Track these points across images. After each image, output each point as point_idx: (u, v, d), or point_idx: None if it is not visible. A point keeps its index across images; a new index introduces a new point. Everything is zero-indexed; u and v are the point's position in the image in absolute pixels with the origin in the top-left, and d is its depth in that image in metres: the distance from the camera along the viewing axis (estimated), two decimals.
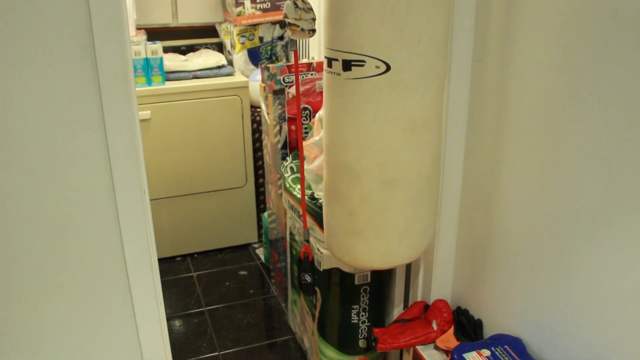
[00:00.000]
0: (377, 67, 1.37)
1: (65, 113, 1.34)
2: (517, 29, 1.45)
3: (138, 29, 3.14)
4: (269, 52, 3.27)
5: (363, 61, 1.37)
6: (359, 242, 1.54)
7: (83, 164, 1.38)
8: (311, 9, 1.52)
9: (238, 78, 3.06)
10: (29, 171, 1.34)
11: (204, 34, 3.48)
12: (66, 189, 1.39)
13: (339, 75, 1.42)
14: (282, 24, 3.23)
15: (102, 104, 1.34)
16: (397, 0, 1.33)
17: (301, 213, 2.05)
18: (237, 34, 3.16)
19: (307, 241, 1.90)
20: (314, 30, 1.52)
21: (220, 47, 3.47)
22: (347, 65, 1.39)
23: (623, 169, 1.19)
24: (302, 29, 1.51)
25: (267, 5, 3.07)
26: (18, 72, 1.27)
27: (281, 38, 3.27)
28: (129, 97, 1.35)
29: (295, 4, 1.49)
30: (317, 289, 2.05)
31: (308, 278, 1.92)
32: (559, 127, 1.35)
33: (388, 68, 1.36)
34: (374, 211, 1.50)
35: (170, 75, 3.01)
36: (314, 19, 1.52)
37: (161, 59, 2.91)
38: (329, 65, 1.45)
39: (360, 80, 1.39)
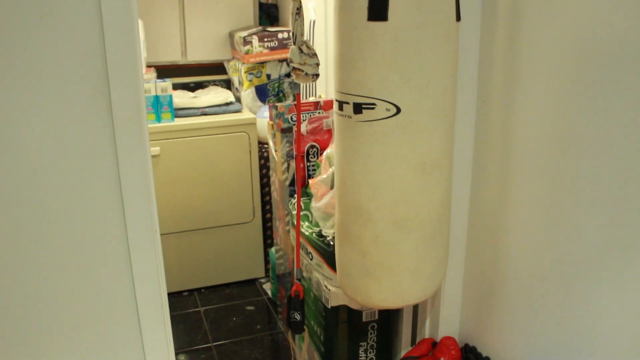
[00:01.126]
0: (388, 109, 1.39)
1: (79, 155, 1.36)
2: (520, 70, 1.48)
3: (148, 66, 3.20)
4: (276, 89, 3.32)
5: (373, 104, 1.40)
6: (372, 282, 1.55)
7: (96, 204, 1.40)
8: (315, 54, 1.56)
9: (246, 115, 3.11)
10: (42, 211, 1.36)
11: (212, 71, 3.54)
12: (79, 228, 1.41)
13: (350, 118, 1.45)
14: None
15: (116, 147, 1.37)
16: (406, 45, 1.36)
17: (309, 250, 2.06)
18: (245, 72, 3.22)
19: (299, 280, 1.92)
20: (317, 75, 1.56)
21: (228, 84, 3.53)
22: (358, 108, 1.42)
23: (628, 213, 1.20)
24: (306, 74, 1.54)
25: (275, 43, 3.13)
26: (34, 116, 1.30)
27: (288, 75, 3.32)
28: (143, 141, 1.38)
29: (300, 49, 1.53)
30: (319, 326, 2.05)
31: (297, 316, 1.93)
32: (563, 168, 1.36)
33: (398, 110, 1.39)
34: (386, 251, 1.51)
35: (179, 112, 3.06)
36: (317, 64, 1.56)
37: (170, 96, 2.95)
38: (340, 108, 1.48)
39: (371, 123, 1.42)
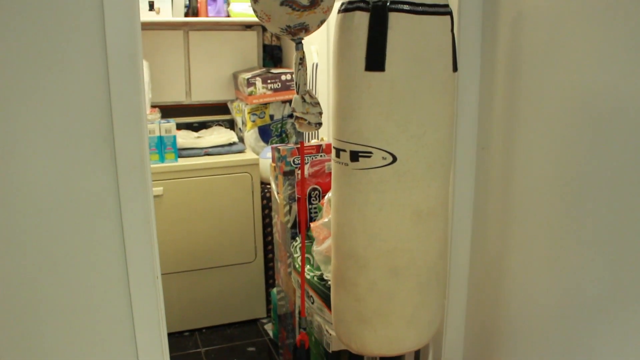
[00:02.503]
0: (384, 158, 1.41)
1: (83, 201, 1.38)
2: (519, 118, 1.50)
3: (153, 106, 3.24)
4: (279, 130, 3.35)
5: (370, 152, 1.42)
6: (367, 329, 1.55)
7: (99, 249, 1.42)
8: (318, 103, 1.58)
9: (249, 155, 3.13)
10: (46, 254, 1.38)
11: (216, 111, 3.58)
12: (82, 272, 1.42)
13: (347, 165, 1.46)
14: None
15: (119, 194, 1.39)
16: (402, 95, 1.39)
17: (310, 294, 2.06)
18: (249, 112, 3.26)
19: (304, 329, 1.90)
20: (320, 124, 1.58)
21: (231, 124, 3.57)
22: (354, 156, 1.44)
23: (630, 260, 1.20)
24: (309, 123, 1.56)
25: (278, 85, 3.18)
26: (39, 160, 1.33)
27: (291, 116, 3.35)
28: (145, 189, 1.40)
29: (302, 98, 1.56)
30: None
31: None
32: (563, 214, 1.37)
33: (394, 159, 1.41)
34: (382, 299, 1.51)
35: (182, 152, 3.08)
36: (320, 113, 1.58)
37: (174, 137, 2.99)
38: (337, 155, 1.49)
39: (368, 171, 1.43)
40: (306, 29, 1.49)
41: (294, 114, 1.56)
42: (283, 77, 3.18)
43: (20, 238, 1.35)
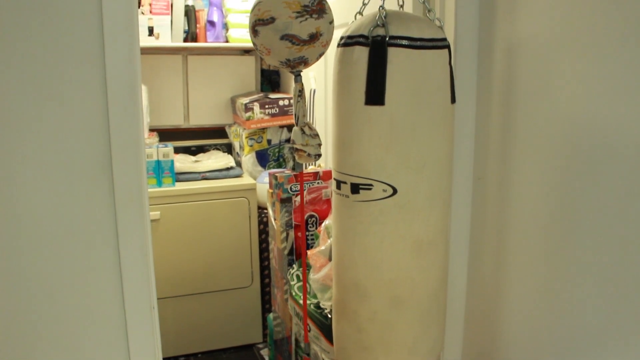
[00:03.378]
0: (384, 190, 1.42)
1: (80, 231, 1.38)
2: (515, 149, 1.52)
3: (151, 130, 3.25)
4: (277, 154, 3.37)
5: (371, 185, 1.43)
6: (368, 358, 1.55)
7: (95, 280, 1.42)
8: (317, 135, 1.59)
9: (246, 180, 3.14)
10: (40, 285, 1.38)
11: (213, 135, 3.60)
12: (77, 302, 1.41)
13: (348, 197, 1.47)
14: (290, 127, 3.34)
15: (117, 226, 1.39)
16: (402, 128, 1.40)
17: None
18: (246, 137, 3.27)
19: (307, 354, 1.90)
20: (319, 155, 1.59)
21: (229, 148, 3.58)
22: (355, 189, 1.45)
23: (626, 293, 1.21)
24: (309, 154, 1.58)
25: (276, 110, 3.19)
26: (37, 190, 1.33)
27: (288, 140, 3.36)
28: (143, 220, 1.41)
29: (302, 130, 1.57)
30: None
31: None
32: (559, 245, 1.38)
33: (395, 191, 1.42)
34: (383, 328, 1.51)
35: (180, 176, 3.09)
36: (319, 144, 1.59)
37: (172, 161, 2.99)
38: (338, 187, 1.50)
39: (368, 203, 1.44)
40: (305, 62, 1.51)
41: (294, 146, 1.57)
42: (281, 102, 3.20)
43: (17, 266, 1.35)
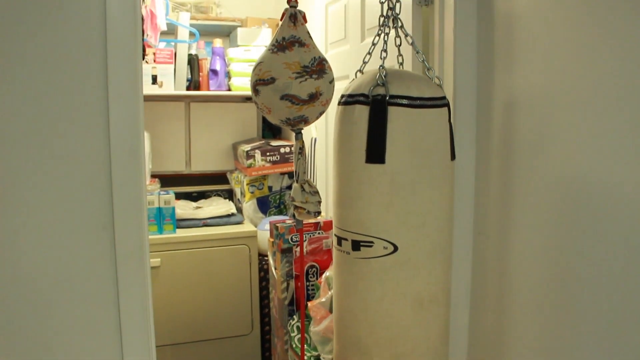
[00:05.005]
0: (385, 247, 1.42)
1: (80, 289, 1.39)
2: (514, 203, 1.53)
3: (152, 176, 3.27)
4: (278, 201, 3.38)
5: (371, 242, 1.43)
6: None
7: (95, 338, 1.42)
8: (317, 192, 1.60)
9: (247, 227, 3.14)
10: (40, 341, 1.37)
11: (215, 181, 3.61)
12: (76, 357, 1.41)
13: (349, 254, 1.47)
14: (291, 175, 3.36)
15: (118, 282, 1.40)
16: (403, 186, 1.41)
17: None
18: (247, 183, 3.29)
19: None
20: (319, 212, 1.60)
21: (230, 194, 3.59)
22: (356, 246, 1.45)
23: (626, 350, 1.20)
24: (309, 211, 1.58)
25: (277, 157, 3.22)
26: (40, 248, 1.34)
27: (289, 187, 3.38)
28: (144, 277, 1.41)
29: (302, 187, 1.58)
30: None
31: None
32: (561, 300, 1.38)
33: (395, 249, 1.42)
34: None
35: (181, 222, 3.09)
36: (319, 202, 1.60)
37: (173, 208, 3.00)
38: (339, 243, 1.51)
39: (369, 260, 1.44)
40: (305, 121, 1.53)
41: (293, 203, 1.58)
42: (282, 150, 3.23)
43: (17, 324, 1.35)
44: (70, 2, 1.31)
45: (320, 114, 1.56)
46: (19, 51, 1.28)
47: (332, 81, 1.56)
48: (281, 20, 1.55)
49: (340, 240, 1.51)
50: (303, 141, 1.58)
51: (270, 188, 3.35)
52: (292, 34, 1.51)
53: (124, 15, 1.34)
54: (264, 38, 3.32)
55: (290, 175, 3.36)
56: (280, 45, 1.51)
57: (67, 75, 1.32)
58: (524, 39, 1.48)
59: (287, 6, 1.55)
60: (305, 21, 1.57)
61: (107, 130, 1.35)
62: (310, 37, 1.56)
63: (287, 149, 3.23)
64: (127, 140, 1.36)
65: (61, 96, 1.32)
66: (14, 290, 1.34)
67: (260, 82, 1.50)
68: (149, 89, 3.10)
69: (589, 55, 1.26)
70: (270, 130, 3.67)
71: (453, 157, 1.51)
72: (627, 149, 1.17)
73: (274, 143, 3.29)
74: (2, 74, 1.28)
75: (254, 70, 1.52)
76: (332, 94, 1.57)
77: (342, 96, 1.50)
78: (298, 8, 1.57)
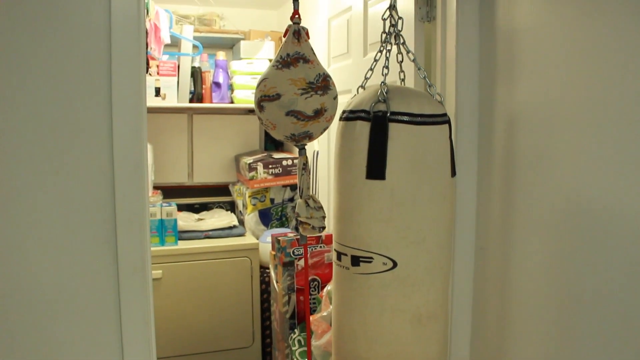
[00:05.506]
0: (385, 263, 1.43)
1: (82, 304, 1.39)
2: (516, 219, 1.54)
3: (155, 188, 3.28)
4: (280, 214, 3.38)
5: (371, 258, 1.44)
6: None
7: (96, 352, 1.42)
8: (321, 208, 1.61)
9: (249, 240, 3.15)
10: (42, 355, 1.38)
11: (217, 193, 3.62)
12: None
13: (348, 269, 1.48)
14: (293, 187, 3.36)
15: (120, 297, 1.40)
16: (403, 202, 1.42)
17: None
18: (249, 196, 3.29)
19: None
20: (323, 228, 1.61)
21: (232, 206, 3.60)
22: (355, 261, 1.46)
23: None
24: (313, 227, 1.59)
25: (279, 170, 3.23)
26: (43, 263, 1.35)
27: (291, 200, 3.39)
28: (146, 291, 1.42)
29: (306, 202, 1.59)
30: None
31: None
32: (561, 315, 1.38)
33: (395, 265, 1.43)
34: None
35: (183, 234, 3.10)
36: (323, 217, 1.61)
37: (175, 220, 3.01)
38: (339, 258, 1.51)
39: (368, 276, 1.45)
40: (310, 137, 1.54)
41: (298, 218, 1.59)
42: (284, 162, 3.24)
43: (20, 336, 1.35)
44: (75, 16, 1.33)
45: (324, 129, 1.57)
46: (23, 65, 1.30)
47: (335, 97, 1.57)
48: (284, 36, 1.57)
49: (339, 255, 1.51)
50: (307, 157, 1.59)
51: (272, 200, 3.36)
52: (296, 50, 1.53)
53: (128, 28, 1.36)
54: (267, 51, 3.34)
55: (292, 187, 3.37)
56: (285, 62, 1.52)
57: (71, 88, 1.34)
58: (525, 55, 1.49)
59: (291, 22, 1.56)
60: (308, 37, 1.58)
61: (111, 143, 1.36)
62: (314, 53, 1.57)
63: (290, 162, 3.24)
64: (131, 154, 1.37)
65: (65, 109, 1.34)
66: (17, 302, 1.35)
67: (265, 98, 1.50)
68: (152, 101, 3.12)
69: (591, 72, 1.27)
70: (272, 143, 3.68)
71: (454, 173, 1.52)
72: (629, 164, 1.18)
73: (277, 155, 3.30)
74: (6, 88, 1.29)
75: (258, 86, 1.53)
76: (336, 110, 1.58)
77: (344, 112, 1.51)
78: (301, 24, 1.58)
